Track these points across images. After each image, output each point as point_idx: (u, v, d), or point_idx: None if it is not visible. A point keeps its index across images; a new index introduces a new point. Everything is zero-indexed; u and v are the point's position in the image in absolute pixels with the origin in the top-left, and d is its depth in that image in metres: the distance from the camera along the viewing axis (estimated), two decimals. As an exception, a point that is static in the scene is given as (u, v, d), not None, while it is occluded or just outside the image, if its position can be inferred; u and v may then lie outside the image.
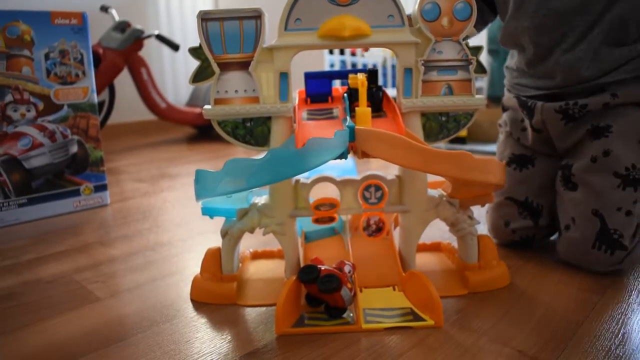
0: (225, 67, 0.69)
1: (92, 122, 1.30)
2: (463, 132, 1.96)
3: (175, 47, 2.41)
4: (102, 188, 1.33)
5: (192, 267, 0.87)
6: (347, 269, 0.68)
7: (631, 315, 0.66)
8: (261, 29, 0.68)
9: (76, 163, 1.28)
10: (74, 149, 1.28)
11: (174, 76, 3.06)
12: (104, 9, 2.39)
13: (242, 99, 0.70)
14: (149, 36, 2.39)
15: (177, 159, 2.04)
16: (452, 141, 2.12)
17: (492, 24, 0.98)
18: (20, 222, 1.19)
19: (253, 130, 0.72)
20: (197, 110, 2.58)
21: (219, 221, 0.76)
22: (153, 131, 2.87)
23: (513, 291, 0.74)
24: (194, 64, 0.70)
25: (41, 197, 1.23)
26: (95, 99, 1.30)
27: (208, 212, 0.74)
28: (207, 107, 0.71)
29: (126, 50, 2.34)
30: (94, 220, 1.20)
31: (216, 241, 0.76)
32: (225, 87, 0.70)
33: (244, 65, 0.69)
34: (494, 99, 4.35)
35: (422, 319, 0.64)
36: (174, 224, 1.14)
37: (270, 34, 0.69)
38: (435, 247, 0.89)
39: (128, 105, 2.63)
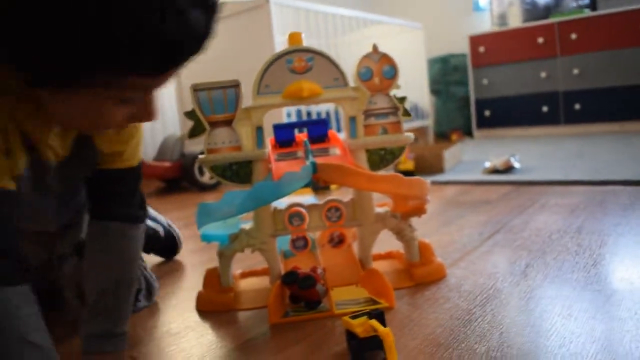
0: (213, 124, 0.90)
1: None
2: (411, 166, 2.23)
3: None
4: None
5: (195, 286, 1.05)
6: (319, 271, 0.88)
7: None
8: (240, 94, 0.90)
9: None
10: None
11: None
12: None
13: (228, 148, 0.91)
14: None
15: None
16: (403, 174, 2.36)
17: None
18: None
19: (238, 172, 0.92)
20: (165, 164, 2.72)
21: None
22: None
23: (449, 280, 0.96)
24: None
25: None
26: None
27: (206, 238, 0.94)
28: (201, 156, 0.91)
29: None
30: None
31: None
32: (215, 140, 0.91)
33: (228, 123, 0.91)
34: (440, 134, 4.70)
35: (379, 303, 0.85)
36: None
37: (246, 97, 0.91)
38: (388, 256, 1.10)
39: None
